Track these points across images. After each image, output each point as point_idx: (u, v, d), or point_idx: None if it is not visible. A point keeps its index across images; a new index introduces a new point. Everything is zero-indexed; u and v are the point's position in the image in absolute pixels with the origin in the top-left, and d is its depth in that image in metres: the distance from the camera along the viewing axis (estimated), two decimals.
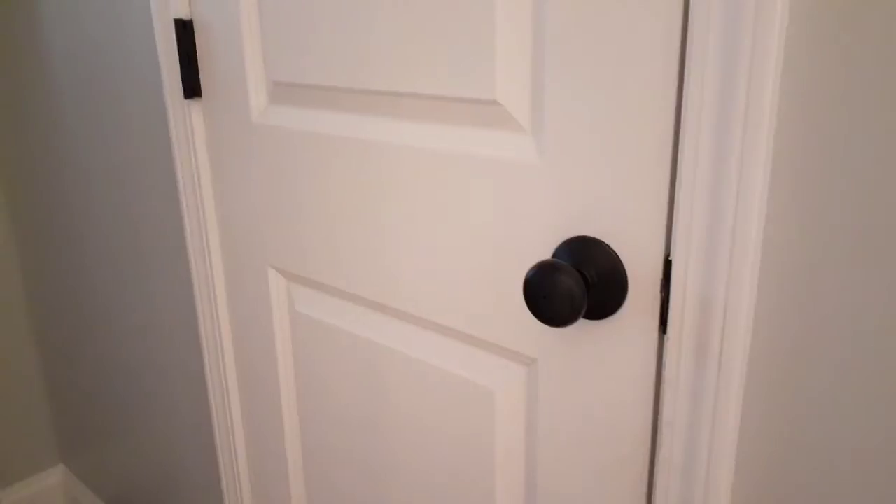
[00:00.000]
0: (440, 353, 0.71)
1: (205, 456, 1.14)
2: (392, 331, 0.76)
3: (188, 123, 0.88)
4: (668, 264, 0.53)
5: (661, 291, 0.53)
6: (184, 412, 1.16)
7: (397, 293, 0.73)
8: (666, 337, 0.53)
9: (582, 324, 0.58)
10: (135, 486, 1.40)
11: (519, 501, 0.69)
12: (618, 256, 0.55)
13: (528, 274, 0.54)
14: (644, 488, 0.58)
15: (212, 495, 1.16)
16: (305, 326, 0.85)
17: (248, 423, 1.01)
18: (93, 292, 1.30)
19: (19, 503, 1.61)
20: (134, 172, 1.07)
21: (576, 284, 0.52)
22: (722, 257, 0.48)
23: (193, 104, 0.87)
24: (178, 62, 0.86)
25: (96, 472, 1.54)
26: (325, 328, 0.83)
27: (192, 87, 0.86)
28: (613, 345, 0.57)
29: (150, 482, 1.34)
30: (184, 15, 0.84)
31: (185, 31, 0.84)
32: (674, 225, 0.51)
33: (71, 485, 1.65)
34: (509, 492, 0.70)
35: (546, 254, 0.59)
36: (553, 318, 0.53)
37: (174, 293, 1.08)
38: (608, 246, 0.55)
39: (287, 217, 0.82)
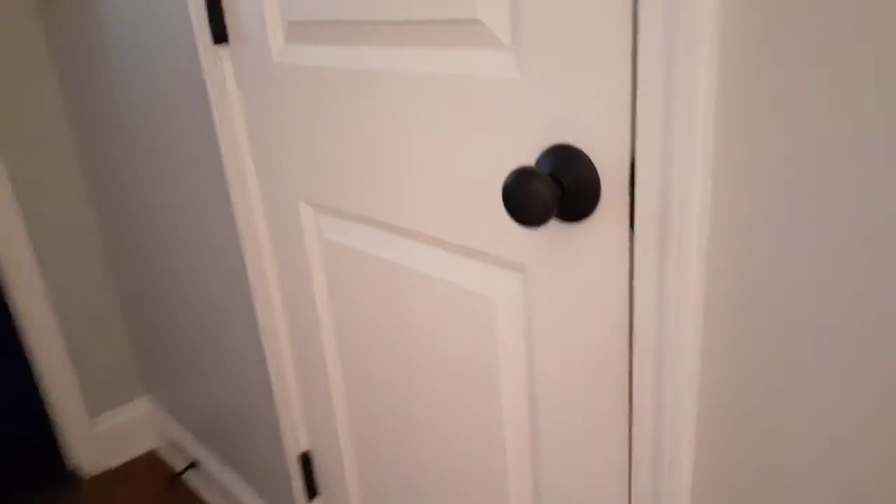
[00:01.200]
0: (445, 267, 0.77)
1: (261, 379, 1.25)
2: (403, 249, 0.82)
3: (219, 68, 0.95)
4: (633, 167, 0.56)
5: (629, 192, 0.57)
6: (240, 341, 1.27)
7: (405, 213, 0.78)
8: (634, 234, 0.57)
9: (562, 228, 0.62)
10: (207, 413, 1.54)
11: (521, 395, 0.75)
12: (591, 162, 0.59)
13: (505, 181, 0.59)
14: (626, 371, 0.63)
15: (269, 410, 1.28)
16: (332, 252, 0.93)
17: (293, 342, 1.10)
18: (157, 236, 1.43)
19: (110, 430, 1.80)
20: (179, 118, 1.16)
21: (545, 186, 0.56)
22: (676, 157, 0.51)
23: (222, 49, 0.94)
24: (205, 10, 0.92)
25: (175, 402, 1.70)
26: (347, 251, 0.90)
27: (220, 34, 0.93)
28: (591, 245, 0.61)
29: (219, 408, 1.48)
30: None
31: None
32: (636, 130, 0.54)
33: (155, 414, 1.83)
34: (512, 388, 0.75)
35: (529, 162, 0.63)
36: (527, 219, 0.57)
37: (223, 231, 1.17)
38: (583, 152, 0.59)
39: (308, 150, 0.88)
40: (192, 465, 1.68)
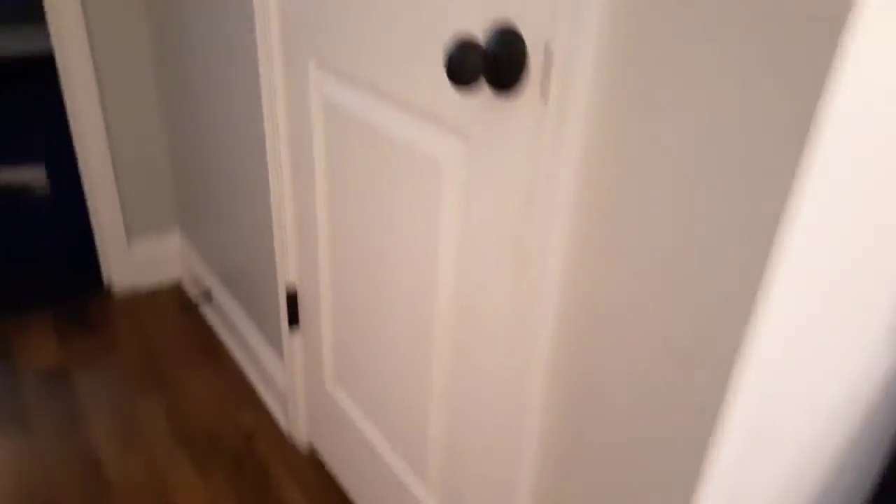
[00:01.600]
0: (407, 129, 0.89)
1: (267, 227, 1.42)
2: (379, 111, 0.94)
3: None
4: (549, 49, 0.66)
5: (545, 70, 0.67)
6: (255, 192, 1.43)
7: (381, 73, 0.90)
8: (546, 106, 0.68)
9: (496, 99, 0.73)
10: (223, 253, 1.74)
11: (453, 248, 0.88)
12: (523, 40, 0.69)
13: (446, 49, 0.69)
14: (522, 232, 0.75)
15: (271, 254, 1.45)
16: (328, 109, 1.05)
17: (295, 193, 1.25)
18: (200, 86, 1.57)
19: (143, 256, 2.03)
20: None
21: (475, 52, 0.67)
22: (580, 46, 0.61)
23: None
24: None
25: (200, 240, 1.90)
26: (339, 109, 1.02)
27: None
28: (517, 115, 0.72)
29: (233, 250, 1.66)
30: None
31: None
32: (555, 12, 0.64)
33: (183, 248, 2.04)
34: (447, 242, 0.89)
35: (477, 35, 0.74)
36: (457, 78, 0.69)
37: (251, 90, 1.31)
38: (517, 31, 0.69)
39: (319, 9, 1.00)
40: (207, 296, 1.89)
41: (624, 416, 0.69)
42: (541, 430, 0.81)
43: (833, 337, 0.63)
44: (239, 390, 1.68)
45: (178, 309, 1.97)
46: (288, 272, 1.34)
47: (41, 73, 2.33)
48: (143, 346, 1.82)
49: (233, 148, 1.49)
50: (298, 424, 1.49)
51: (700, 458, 0.62)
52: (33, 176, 2.00)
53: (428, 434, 1.04)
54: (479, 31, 0.73)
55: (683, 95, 0.55)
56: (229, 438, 1.54)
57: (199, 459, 1.48)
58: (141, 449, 1.50)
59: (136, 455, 1.48)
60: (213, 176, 1.66)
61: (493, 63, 0.70)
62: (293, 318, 1.38)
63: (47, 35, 1.74)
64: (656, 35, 0.56)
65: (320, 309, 1.27)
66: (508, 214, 0.76)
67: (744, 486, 0.67)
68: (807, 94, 0.47)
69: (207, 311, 1.93)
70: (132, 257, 2.01)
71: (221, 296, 1.82)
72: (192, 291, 2.02)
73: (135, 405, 1.62)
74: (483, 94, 0.75)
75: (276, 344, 1.54)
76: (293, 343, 1.40)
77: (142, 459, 1.47)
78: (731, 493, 0.66)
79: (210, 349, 1.82)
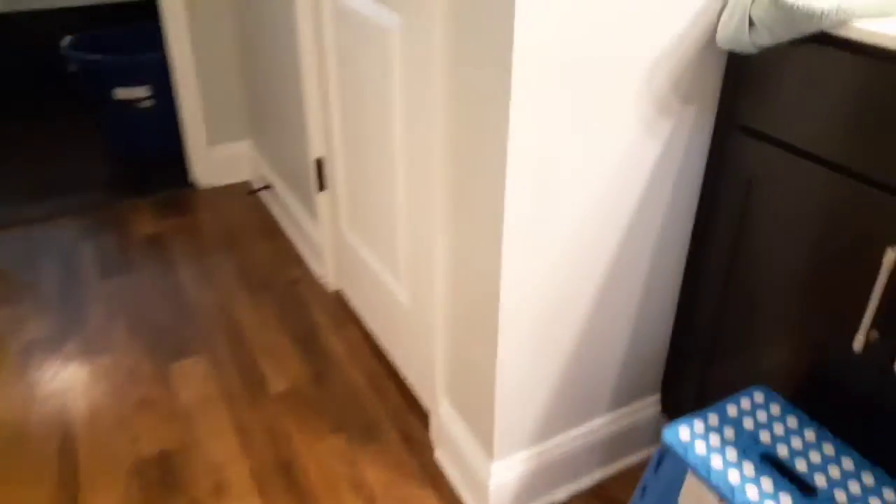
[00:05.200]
0: (372, 9, 1.30)
1: (303, 118, 1.86)
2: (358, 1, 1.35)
3: None
4: None
5: None
6: (297, 92, 1.88)
7: None
8: None
9: None
10: (278, 154, 2.21)
11: (402, 96, 1.29)
12: None
13: None
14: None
15: (305, 133, 1.90)
16: (334, 6, 1.48)
17: (317, 71, 1.69)
18: (256, 18, 2.03)
19: (221, 158, 2.54)
20: None
21: None
22: None
23: None
24: None
25: (264, 146, 2.39)
26: (338, 3, 1.44)
27: None
28: None
29: (287, 152, 2.13)
30: None
31: None
32: None
33: (252, 153, 2.54)
34: (398, 96, 1.29)
35: None
36: None
37: (289, 4, 1.75)
38: None
39: None
40: (267, 186, 2.39)
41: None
42: (442, 220, 1.21)
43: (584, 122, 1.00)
44: (289, 254, 2.17)
45: (246, 197, 2.48)
46: (315, 147, 1.79)
47: (147, 13, 2.90)
48: (218, 223, 2.33)
49: (281, 61, 1.94)
50: (328, 272, 1.95)
51: (500, 207, 1.01)
52: (141, 93, 2.54)
53: (398, 243, 1.46)
54: None
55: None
56: (278, 283, 2.02)
57: (255, 296, 1.97)
58: (214, 287, 2.00)
59: (211, 292, 1.99)
60: (269, 89, 2.13)
61: None
62: (321, 183, 1.83)
63: None
64: None
65: (337, 172, 1.71)
66: (422, 59, 1.17)
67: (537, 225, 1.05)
68: None
69: (268, 199, 2.42)
70: (212, 160, 2.53)
71: (278, 186, 2.30)
72: (257, 185, 2.53)
73: (210, 260, 2.13)
74: None
75: (313, 211, 2.00)
76: (322, 203, 1.85)
77: (215, 294, 1.97)
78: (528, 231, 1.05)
79: (268, 225, 2.31)
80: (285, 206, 2.24)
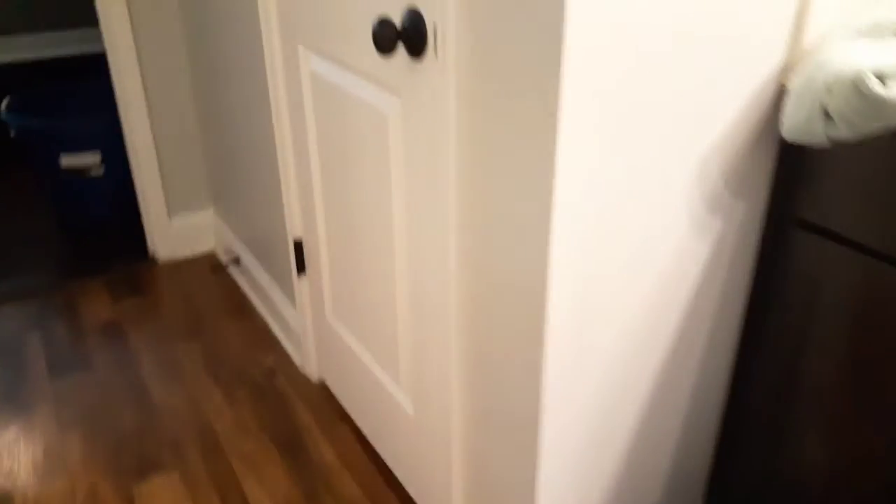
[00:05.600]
0: (362, 90, 1.14)
1: (278, 193, 1.69)
2: (343, 77, 1.19)
3: None
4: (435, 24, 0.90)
5: (434, 37, 0.91)
6: (267, 168, 1.70)
7: (341, 48, 1.15)
8: (437, 62, 0.92)
9: (412, 62, 0.97)
10: (247, 224, 2.02)
11: (402, 183, 1.13)
12: (423, 18, 0.93)
13: (372, 26, 0.94)
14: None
15: (281, 213, 1.72)
16: (313, 80, 1.31)
17: (297, 160, 1.52)
18: (224, 79, 1.86)
19: (182, 229, 2.33)
20: None
21: (388, 28, 0.91)
22: (450, 23, 0.85)
23: None
24: None
25: (229, 213, 2.19)
26: (318, 77, 1.28)
27: None
28: (425, 73, 0.96)
29: (256, 221, 1.95)
30: None
31: None
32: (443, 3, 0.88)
33: (215, 221, 2.34)
34: (398, 178, 1.13)
35: (396, 16, 0.98)
36: (379, 48, 0.93)
37: (258, 70, 1.58)
38: (420, 11, 0.93)
39: (298, 4, 1.26)
40: (236, 261, 2.19)
41: (502, 296, 0.93)
42: (457, 322, 1.05)
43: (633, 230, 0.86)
44: (262, 337, 1.97)
45: (211, 272, 2.27)
46: (294, 227, 1.61)
47: (96, 68, 2.67)
48: (182, 303, 2.12)
49: (250, 131, 1.77)
50: (310, 360, 1.76)
51: (540, 326, 0.85)
52: (91, 160, 2.32)
53: (398, 342, 1.29)
54: (397, 13, 0.98)
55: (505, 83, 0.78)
56: (253, 375, 1.82)
57: (228, 391, 1.76)
58: (181, 382, 1.79)
59: (178, 389, 1.77)
60: (237, 157, 1.95)
61: (406, 35, 0.94)
62: (300, 266, 1.64)
63: (100, 37, 2.06)
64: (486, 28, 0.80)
65: (320, 255, 1.54)
66: (428, 148, 1.01)
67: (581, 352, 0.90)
68: (548, 66, 0.70)
69: (236, 274, 2.22)
70: (173, 231, 2.32)
71: (247, 260, 2.10)
72: (223, 258, 2.32)
73: (176, 349, 1.92)
74: (402, 58, 0.99)
75: (290, 293, 1.82)
76: (301, 287, 1.67)
77: (183, 392, 1.76)
78: (572, 354, 0.90)
79: (238, 305, 2.11)
80: (256, 282, 2.05)
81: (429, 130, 0.99)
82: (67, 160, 2.33)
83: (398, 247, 1.18)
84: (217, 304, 2.11)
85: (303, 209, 1.56)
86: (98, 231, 2.50)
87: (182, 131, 2.22)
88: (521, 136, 0.81)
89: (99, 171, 2.36)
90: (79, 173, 2.35)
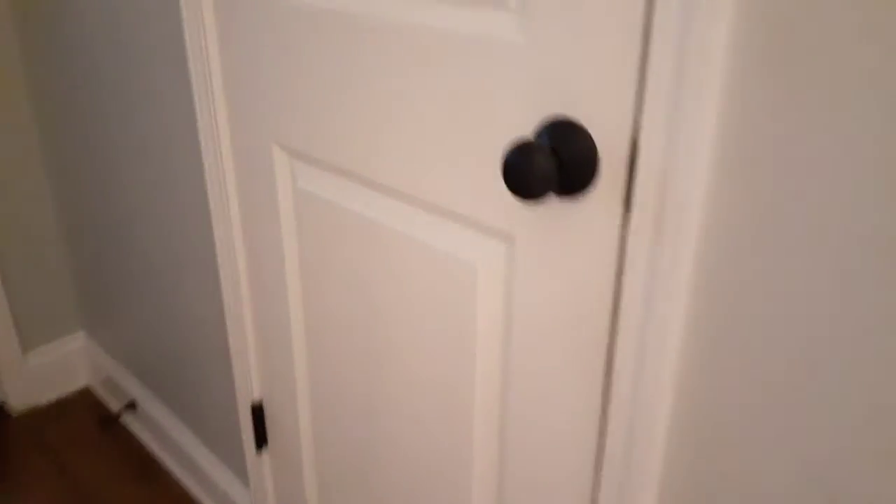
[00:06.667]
0: (426, 229, 0.76)
1: (214, 322, 1.23)
2: (383, 206, 0.80)
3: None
4: (635, 146, 0.56)
5: (627, 172, 0.57)
6: (193, 282, 1.23)
7: (388, 170, 0.77)
8: (629, 215, 0.57)
9: (555, 201, 0.62)
10: (149, 352, 1.51)
11: (495, 368, 0.75)
12: (591, 137, 0.58)
13: (505, 153, 0.58)
14: (604, 351, 0.64)
15: (221, 356, 1.26)
16: (306, 202, 0.90)
17: (255, 292, 1.08)
18: (109, 166, 1.36)
19: (43, 365, 1.74)
20: (144, 47, 1.09)
21: (546, 161, 0.56)
22: (683, 140, 0.52)
23: None
24: None
25: (113, 338, 1.65)
26: (324, 204, 0.87)
27: None
28: (583, 221, 0.61)
29: (164, 348, 1.44)
30: None
31: None
32: (642, 109, 0.54)
33: (91, 349, 1.77)
34: (486, 358, 0.76)
35: (525, 132, 0.63)
36: (527, 193, 0.57)
37: (184, 166, 1.12)
38: (583, 127, 0.59)
39: (290, 90, 0.85)
40: (130, 405, 1.64)
41: None
42: None
43: None
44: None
45: (94, 423, 1.69)
46: (252, 386, 1.16)
47: None
48: (56, 473, 1.54)
49: (160, 229, 1.29)
50: None
51: None
52: None
53: None
54: (531, 128, 0.62)
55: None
56: None
57: None
58: None
59: None
60: (130, 263, 1.44)
61: (560, 167, 0.59)
62: (260, 438, 1.19)
63: None
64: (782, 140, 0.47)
65: (299, 423, 1.10)
66: (578, 319, 0.65)
67: None
68: None
69: (132, 424, 1.67)
70: (31, 369, 1.72)
71: (148, 403, 1.57)
72: (110, 401, 1.75)
73: None
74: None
75: (233, 463, 1.34)
76: (262, 467, 1.21)
77: None
78: None
79: (142, 469, 1.56)
80: (167, 437, 1.53)
81: (589, 292, 0.63)
82: None
83: (480, 423, 0.80)
84: (109, 469, 1.55)
85: (267, 362, 1.12)
86: None
87: (36, 248, 1.65)
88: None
89: None
90: None
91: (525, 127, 0.62)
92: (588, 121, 0.58)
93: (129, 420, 1.68)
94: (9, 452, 1.59)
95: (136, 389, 1.62)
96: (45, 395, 1.76)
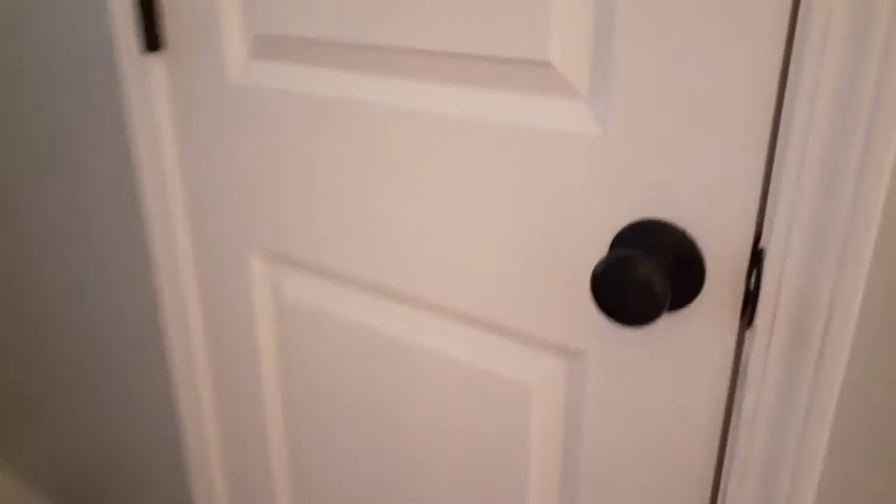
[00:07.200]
0: (467, 345, 0.64)
1: (173, 471, 1.04)
2: (402, 319, 0.67)
3: (147, 84, 0.75)
4: (756, 252, 0.47)
5: (747, 281, 0.48)
6: (146, 415, 1.04)
7: (416, 279, 0.64)
8: (751, 331, 0.48)
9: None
10: (85, 485, 1.27)
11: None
12: (694, 242, 0.49)
13: (597, 268, 0.47)
14: (707, 496, 0.54)
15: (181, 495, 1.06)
16: (296, 316, 0.76)
17: (225, 431, 0.90)
18: (33, 279, 1.15)
19: None
20: (84, 146, 0.92)
21: (658, 278, 0.45)
22: (831, 248, 0.43)
23: (155, 59, 0.74)
24: (133, 7, 0.72)
25: (38, 466, 1.40)
26: (322, 318, 0.73)
27: (153, 40, 0.73)
28: (684, 338, 0.51)
29: (104, 485, 1.22)
30: None
31: None
32: (773, 210, 0.45)
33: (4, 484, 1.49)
34: (542, 495, 0.64)
35: (604, 238, 0.52)
36: (632, 318, 0.46)
37: (134, 285, 0.95)
38: (682, 230, 0.49)
39: (274, 190, 0.71)
40: None
41: None
42: None
43: None
44: None
45: None
46: None
47: None
48: None
49: (98, 347, 1.09)
50: None
51: None
52: None
53: None
54: (607, 231, 0.52)
55: None
56: None
57: None
58: None
59: None
60: (53, 385, 1.22)
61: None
62: None
63: None
64: None
65: None
66: (671, 454, 0.55)
67: None
68: None
69: None
70: None
71: None
72: None
73: None
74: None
75: None
76: None
77: None
78: None
79: None
80: None
81: (688, 415, 0.53)
82: None
83: None
84: None
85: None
86: None
87: None
88: None
89: None
90: None
91: (605, 232, 0.52)
92: (688, 223, 0.48)
93: None
94: None
95: None
96: None
